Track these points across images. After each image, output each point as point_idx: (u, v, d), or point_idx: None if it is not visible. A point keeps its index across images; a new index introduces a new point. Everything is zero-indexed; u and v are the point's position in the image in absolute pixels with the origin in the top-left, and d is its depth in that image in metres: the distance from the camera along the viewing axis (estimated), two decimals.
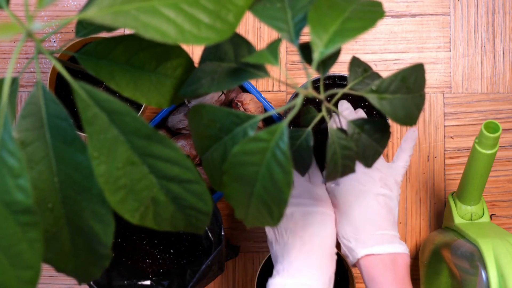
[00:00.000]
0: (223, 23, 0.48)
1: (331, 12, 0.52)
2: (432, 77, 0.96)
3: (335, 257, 0.74)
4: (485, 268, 0.70)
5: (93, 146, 0.46)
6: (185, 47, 0.94)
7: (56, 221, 0.50)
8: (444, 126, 0.96)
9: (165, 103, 0.57)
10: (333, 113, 0.63)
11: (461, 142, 0.96)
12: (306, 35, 0.96)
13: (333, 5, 0.53)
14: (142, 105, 0.87)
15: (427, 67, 0.96)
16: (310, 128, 0.61)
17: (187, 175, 0.49)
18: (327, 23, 0.51)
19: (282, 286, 0.70)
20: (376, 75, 0.64)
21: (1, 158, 0.43)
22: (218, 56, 0.58)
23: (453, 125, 0.96)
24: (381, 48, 0.96)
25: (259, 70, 0.55)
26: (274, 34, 0.96)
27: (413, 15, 0.97)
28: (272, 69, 0.96)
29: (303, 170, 0.63)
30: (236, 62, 0.57)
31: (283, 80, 0.96)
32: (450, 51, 0.96)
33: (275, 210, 0.52)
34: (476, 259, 0.72)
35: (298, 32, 0.54)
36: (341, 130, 0.59)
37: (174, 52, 0.57)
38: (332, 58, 0.57)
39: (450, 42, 0.96)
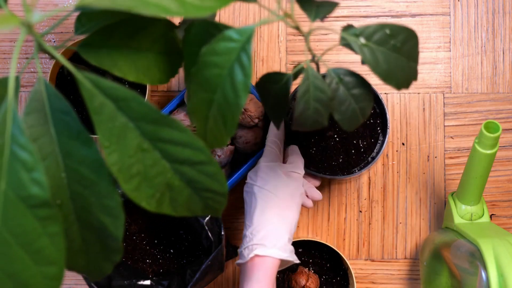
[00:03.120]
0: None
1: None
2: (432, 77, 0.96)
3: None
4: (485, 268, 0.70)
5: (103, 136, 0.46)
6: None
7: (66, 218, 0.49)
8: (444, 126, 0.96)
9: (165, 79, 0.57)
10: (316, 59, 0.62)
11: (461, 142, 0.96)
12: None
13: None
14: (144, 96, 0.87)
15: (427, 67, 0.96)
16: (291, 73, 0.60)
17: (199, 157, 0.49)
18: None
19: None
20: None
21: (13, 153, 0.42)
22: None
23: (453, 125, 0.96)
24: None
25: None
26: (274, 34, 0.96)
27: (413, 15, 0.97)
28: (272, 68, 0.96)
29: (278, 118, 0.63)
30: None
31: None
32: (450, 51, 0.97)
33: (229, 118, 0.52)
34: (476, 259, 0.72)
35: None
36: (319, 73, 0.58)
37: (165, 28, 0.57)
38: (327, 8, 0.57)
39: (450, 42, 0.97)
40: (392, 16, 0.96)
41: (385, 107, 0.85)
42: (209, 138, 0.54)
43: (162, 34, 0.57)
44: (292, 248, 0.75)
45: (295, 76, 0.61)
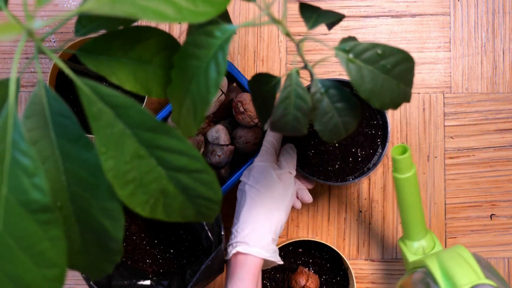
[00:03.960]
0: None
1: None
2: (432, 77, 0.96)
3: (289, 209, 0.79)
4: (433, 280, 0.70)
5: (100, 141, 0.46)
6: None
7: (66, 219, 0.50)
8: (444, 126, 0.96)
9: (163, 94, 0.57)
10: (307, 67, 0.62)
11: (461, 142, 0.96)
12: (301, 35, 0.96)
13: None
14: (143, 102, 0.87)
15: (427, 67, 0.96)
16: (282, 77, 0.60)
17: (195, 165, 0.49)
18: None
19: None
20: None
21: (14, 159, 0.43)
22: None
23: (453, 125, 0.96)
24: None
25: None
26: (274, 34, 0.96)
27: (413, 15, 0.97)
28: (272, 68, 0.96)
29: (264, 117, 0.63)
30: None
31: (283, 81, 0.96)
32: (450, 51, 0.96)
33: (199, 110, 0.52)
34: (427, 276, 0.72)
35: None
36: (307, 87, 0.58)
37: (166, 42, 0.58)
38: (327, 17, 0.57)
39: (450, 42, 0.97)
40: (392, 16, 0.96)
41: (388, 120, 0.85)
42: (181, 125, 0.55)
43: (163, 47, 0.57)
44: (275, 248, 0.75)
45: (285, 75, 0.62)
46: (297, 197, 0.83)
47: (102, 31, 0.58)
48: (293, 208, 0.82)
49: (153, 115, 0.47)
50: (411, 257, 0.82)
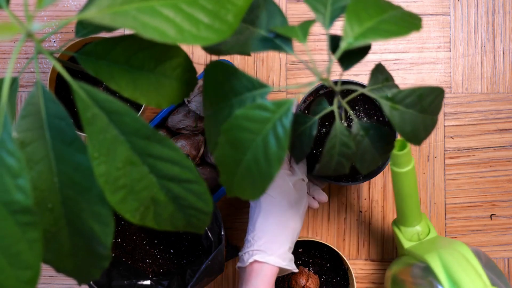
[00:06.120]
0: (222, 23, 0.48)
1: (371, 10, 0.53)
2: (432, 77, 0.96)
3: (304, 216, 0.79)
4: (437, 280, 0.70)
5: (93, 146, 0.46)
6: (185, 47, 0.94)
7: (56, 222, 0.50)
8: (444, 126, 0.96)
9: (164, 103, 0.57)
10: (344, 110, 0.64)
11: (461, 142, 0.96)
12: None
13: (376, 4, 0.54)
14: (142, 106, 0.87)
15: (427, 67, 0.96)
16: (317, 117, 0.61)
17: (187, 175, 0.49)
18: (364, 17, 0.52)
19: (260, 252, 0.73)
20: (395, 87, 0.64)
21: (0, 158, 0.43)
22: (249, 19, 0.58)
23: (453, 125, 0.96)
24: (381, 48, 0.96)
25: (285, 44, 0.57)
26: None
27: None
28: (272, 69, 0.96)
29: (299, 156, 0.64)
30: (266, 30, 0.57)
31: (283, 81, 0.96)
32: (450, 51, 0.96)
33: (259, 183, 0.52)
34: (429, 274, 0.72)
35: (332, 18, 0.55)
36: (346, 127, 0.60)
37: (173, 52, 0.57)
38: (358, 55, 0.57)
39: (450, 42, 0.96)
40: None
41: None
42: (236, 189, 0.55)
43: (168, 57, 0.57)
44: (291, 256, 0.75)
45: (319, 115, 0.62)
46: (314, 197, 0.83)
47: (103, 32, 0.58)
48: (310, 208, 0.82)
49: (147, 123, 0.47)
50: (406, 243, 0.82)
